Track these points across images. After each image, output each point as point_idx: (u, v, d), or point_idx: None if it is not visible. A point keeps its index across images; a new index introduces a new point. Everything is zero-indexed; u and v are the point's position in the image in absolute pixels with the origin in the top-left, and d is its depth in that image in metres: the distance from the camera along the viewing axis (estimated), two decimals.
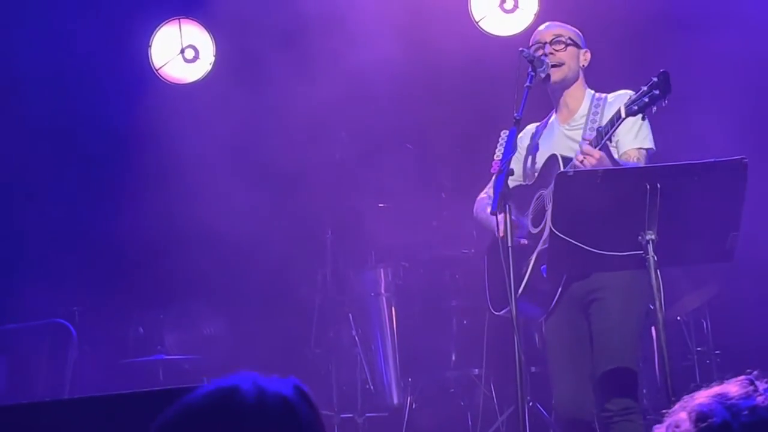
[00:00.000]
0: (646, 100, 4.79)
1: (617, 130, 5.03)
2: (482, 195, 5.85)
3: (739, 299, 8.28)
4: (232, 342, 9.33)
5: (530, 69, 5.34)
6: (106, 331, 9.03)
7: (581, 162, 4.98)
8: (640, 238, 4.54)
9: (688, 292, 8.16)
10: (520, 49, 5.45)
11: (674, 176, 4.52)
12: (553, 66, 5.49)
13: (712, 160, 4.53)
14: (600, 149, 5.00)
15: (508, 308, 5.39)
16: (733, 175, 4.52)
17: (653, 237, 4.52)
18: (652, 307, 5.24)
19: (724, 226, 4.58)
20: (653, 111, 4.82)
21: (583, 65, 5.66)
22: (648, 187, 4.46)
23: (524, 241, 5.35)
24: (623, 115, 4.91)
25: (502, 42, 8.79)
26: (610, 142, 5.13)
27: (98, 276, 9.15)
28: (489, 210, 5.29)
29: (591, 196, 4.53)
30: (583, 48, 5.67)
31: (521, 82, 5.28)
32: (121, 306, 9.24)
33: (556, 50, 5.54)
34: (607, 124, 5.04)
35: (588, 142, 5.06)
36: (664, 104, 4.77)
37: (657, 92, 4.75)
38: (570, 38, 5.60)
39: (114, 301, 9.16)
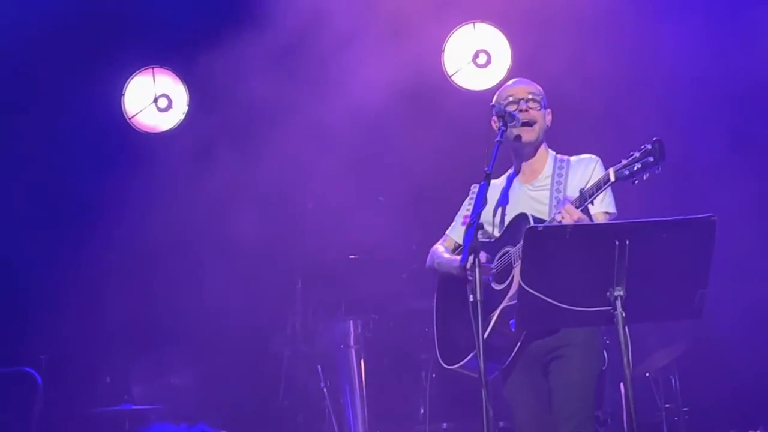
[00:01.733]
0: (639, 166, 4.80)
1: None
2: (437, 246, 5.84)
3: (707, 357, 8.30)
4: (200, 392, 9.26)
5: (501, 124, 5.34)
6: (73, 379, 8.97)
7: (560, 220, 4.99)
8: (608, 294, 4.54)
9: (658, 349, 8.17)
10: (492, 104, 5.46)
11: (643, 233, 4.52)
12: (525, 124, 5.47)
13: (681, 217, 4.54)
14: (581, 211, 5.02)
15: (460, 363, 5.39)
16: (701, 232, 4.52)
17: (622, 293, 4.51)
18: (604, 368, 5.28)
19: (692, 283, 4.58)
20: (645, 178, 4.83)
21: (548, 125, 5.66)
22: (617, 243, 4.46)
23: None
24: (612, 179, 4.93)
25: (474, 96, 8.86)
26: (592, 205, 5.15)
27: (66, 324, 9.09)
28: (458, 263, 5.30)
29: (560, 252, 4.53)
30: (547, 108, 5.67)
31: (492, 137, 5.28)
32: (88, 354, 9.17)
33: (531, 108, 5.54)
34: (592, 186, 5.05)
35: (570, 202, 5.07)
36: (657, 172, 4.78)
37: (651, 159, 4.76)
38: (543, 98, 5.60)
39: (82, 350, 9.09)
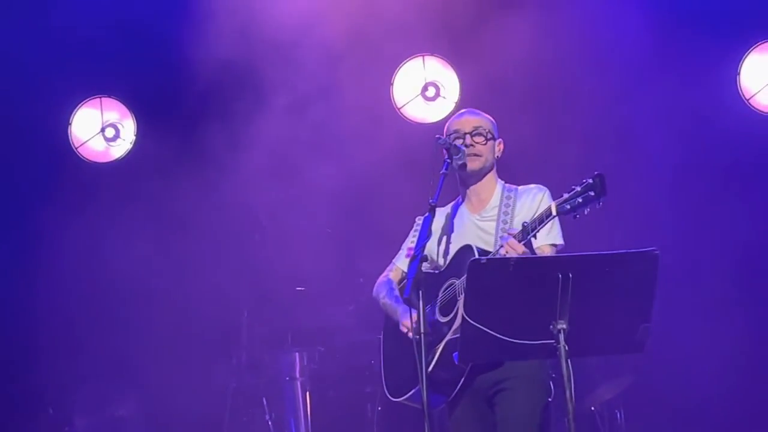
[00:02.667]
0: (580, 200, 4.80)
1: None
2: (382, 278, 5.82)
3: (652, 391, 8.33)
4: (144, 424, 9.17)
5: (446, 156, 5.34)
6: (15, 411, 8.86)
7: (504, 254, 4.98)
8: (551, 327, 4.53)
9: (603, 383, 8.18)
10: (437, 136, 5.44)
11: (586, 266, 4.51)
12: (470, 155, 5.49)
13: (624, 251, 4.55)
14: (524, 244, 5.02)
15: (406, 395, 5.37)
16: (644, 266, 4.53)
17: (564, 326, 4.50)
18: (550, 399, 5.26)
19: (635, 318, 4.57)
20: (586, 212, 4.83)
21: (498, 156, 5.65)
22: (560, 276, 4.46)
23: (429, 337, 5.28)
24: (554, 212, 4.93)
25: (422, 128, 8.88)
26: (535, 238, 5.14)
27: (8, 355, 8.98)
28: (397, 300, 5.30)
29: (503, 285, 4.51)
30: (498, 138, 5.65)
31: (437, 169, 5.28)
32: (30, 386, 9.06)
33: (476, 142, 5.52)
34: (535, 220, 5.03)
35: (512, 236, 5.07)
36: (598, 206, 4.78)
37: (592, 194, 4.76)
38: (489, 131, 5.58)
39: (23, 381, 8.98)
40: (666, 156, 8.60)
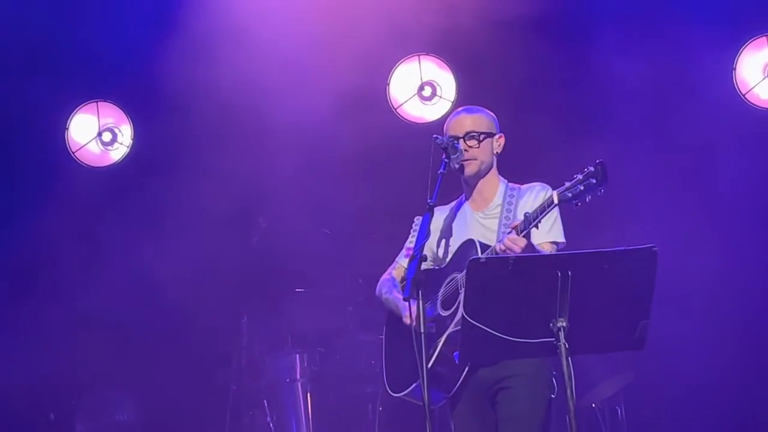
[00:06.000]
0: (581, 188, 4.80)
1: (533, 230, 5.05)
2: (385, 276, 5.82)
3: (653, 387, 8.34)
4: (145, 429, 9.18)
5: (444, 156, 5.34)
6: (15, 416, 8.85)
7: (504, 251, 4.98)
8: (551, 325, 4.53)
9: (604, 379, 8.18)
10: (434, 136, 5.44)
11: (584, 264, 4.52)
12: (464, 160, 5.49)
13: (623, 248, 4.55)
14: (525, 235, 5.01)
15: (406, 391, 5.37)
16: (643, 263, 4.53)
17: (564, 324, 4.51)
18: (553, 396, 5.26)
19: (635, 314, 4.58)
20: (587, 200, 4.83)
21: (497, 152, 5.65)
22: (559, 274, 4.46)
23: (432, 329, 5.30)
24: (556, 200, 4.92)
25: (420, 128, 8.89)
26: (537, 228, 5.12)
27: (8, 360, 8.97)
28: (400, 295, 5.29)
29: (503, 283, 4.51)
30: (497, 133, 5.64)
31: (435, 169, 5.28)
32: (31, 391, 9.05)
33: (470, 146, 5.50)
34: (536, 209, 5.03)
35: (514, 226, 5.07)
36: (599, 193, 4.78)
37: (593, 181, 4.76)
38: (483, 132, 5.55)
39: (24, 387, 8.98)
40: (662, 152, 8.63)
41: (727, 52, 8.67)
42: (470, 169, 5.53)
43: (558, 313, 4.52)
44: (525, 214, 5.09)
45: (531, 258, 4.85)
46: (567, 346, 4.53)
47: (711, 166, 8.52)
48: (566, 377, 4.56)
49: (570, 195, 4.85)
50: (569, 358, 4.57)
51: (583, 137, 8.43)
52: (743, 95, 8.66)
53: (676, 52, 8.69)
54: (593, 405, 8.31)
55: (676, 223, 8.25)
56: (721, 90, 8.66)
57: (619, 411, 8.37)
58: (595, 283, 4.52)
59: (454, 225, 5.64)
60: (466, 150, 5.48)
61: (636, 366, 8.12)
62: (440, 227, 5.63)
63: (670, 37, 8.71)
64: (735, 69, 8.66)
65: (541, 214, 5.02)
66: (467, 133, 5.54)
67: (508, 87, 8.66)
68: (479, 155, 5.54)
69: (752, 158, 8.49)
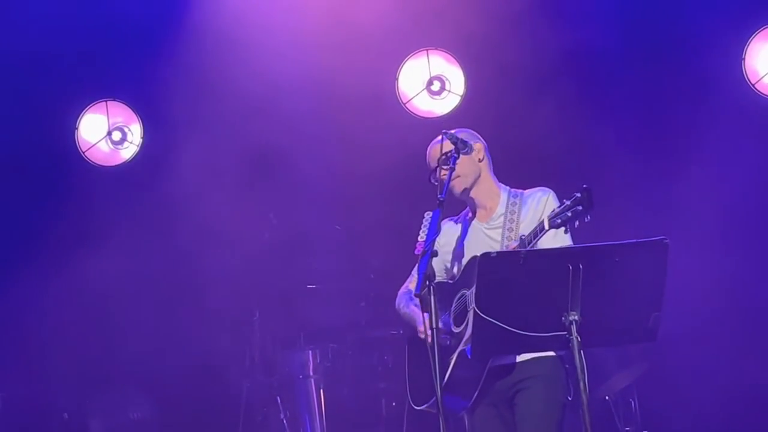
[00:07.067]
0: (569, 214, 4.79)
1: (540, 240, 5.04)
2: (403, 289, 5.82)
3: (667, 379, 8.32)
4: (159, 426, 9.19)
5: (453, 151, 5.34)
6: (30, 416, 8.87)
7: None
8: (563, 318, 4.54)
9: (617, 372, 8.17)
10: (444, 131, 5.45)
11: (596, 257, 4.53)
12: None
13: (634, 240, 4.55)
14: None
15: (428, 403, 5.37)
16: (654, 255, 4.54)
17: (576, 318, 4.52)
18: (570, 398, 5.27)
19: (646, 307, 4.59)
20: (575, 225, 4.82)
21: (480, 159, 5.60)
22: (570, 268, 4.47)
23: (447, 342, 5.31)
24: (546, 227, 4.93)
25: (429, 123, 8.88)
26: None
27: (22, 360, 9.00)
28: (417, 308, 5.30)
29: (514, 277, 4.53)
30: (472, 143, 5.52)
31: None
32: (45, 391, 9.08)
33: (446, 170, 5.40)
34: (530, 234, 5.04)
35: (513, 249, 5.08)
36: (586, 220, 4.76)
37: (580, 208, 4.75)
38: (453, 151, 5.43)
39: (38, 386, 9.00)
40: (669, 141, 8.63)
41: (736, 42, 8.63)
42: (457, 187, 5.53)
43: (570, 306, 4.53)
44: (520, 237, 5.12)
45: (542, 252, 4.86)
46: (579, 339, 4.55)
47: (721, 156, 8.48)
48: (579, 370, 4.57)
49: (559, 221, 4.85)
50: (581, 351, 4.58)
51: (591, 128, 8.44)
52: (753, 85, 8.63)
53: (685, 42, 8.67)
54: (606, 397, 8.30)
55: (688, 215, 8.22)
56: (730, 80, 8.62)
57: (632, 403, 8.35)
58: (607, 276, 4.53)
59: (462, 239, 5.64)
60: (444, 176, 5.40)
61: (649, 358, 8.10)
62: (448, 242, 5.64)
63: (679, 27, 8.69)
64: (744, 59, 8.63)
65: (534, 239, 5.02)
66: (436, 160, 5.45)
67: (516, 80, 8.64)
68: (460, 171, 5.49)
69: (762, 148, 8.46)
